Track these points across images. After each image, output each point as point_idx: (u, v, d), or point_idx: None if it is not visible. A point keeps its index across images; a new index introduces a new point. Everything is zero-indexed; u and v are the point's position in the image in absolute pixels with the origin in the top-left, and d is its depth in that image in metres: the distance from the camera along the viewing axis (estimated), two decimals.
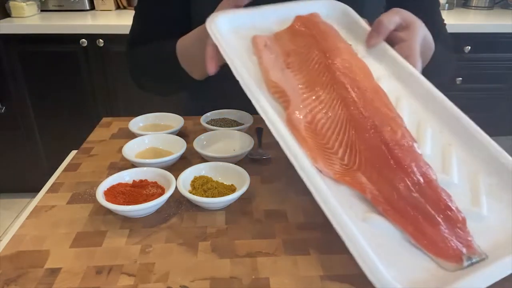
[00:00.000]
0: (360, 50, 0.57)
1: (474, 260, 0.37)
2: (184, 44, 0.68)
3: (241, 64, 0.49)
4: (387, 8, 0.77)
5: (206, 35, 0.56)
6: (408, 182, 0.41)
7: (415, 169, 0.42)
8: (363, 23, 0.59)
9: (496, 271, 0.36)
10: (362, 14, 0.74)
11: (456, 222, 0.40)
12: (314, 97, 0.49)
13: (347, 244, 0.37)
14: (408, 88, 0.52)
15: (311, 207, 0.49)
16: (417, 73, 0.53)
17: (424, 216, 0.40)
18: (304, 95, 0.49)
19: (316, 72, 0.51)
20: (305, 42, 0.55)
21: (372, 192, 0.42)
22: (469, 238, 0.39)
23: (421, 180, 0.41)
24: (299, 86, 0.50)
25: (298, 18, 0.58)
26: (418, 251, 0.39)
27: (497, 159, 0.44)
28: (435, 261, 0.38)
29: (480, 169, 0.45)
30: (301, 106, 0.48)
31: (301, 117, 0.47)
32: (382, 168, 0.43)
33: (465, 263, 0.37)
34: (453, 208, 0.40)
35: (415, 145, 0.44)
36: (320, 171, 0.43)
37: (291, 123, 0.46)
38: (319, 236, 0.45)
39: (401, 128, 0.45)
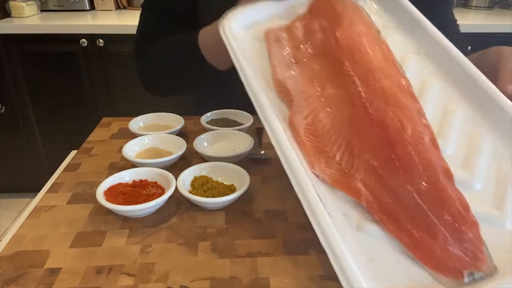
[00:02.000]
0: (390, 25, 0.51)
1: (476, 276, 0.33)
2: (208, 36, 0.65)
3: (248, 65, 0.46)
4: None
5: None
6: (411, 187, 0.37)
7: (422, 169, 0.38)
8: None
9: None
10: None
11: (464, 229, 0.35)
12: (318, 94, 0.46)
13: (330, 259, 0.35)
14: (439, 66, 0.47)
15: None
16: (451, 48, 0.47)
17: (424, 223, 0.36)
18: (308, 93, 0.46)
19: (325, 65, 0.47)
20: (318, 30, 0.50)
21: (367, 199, 0.39)
22: (479, 247, 0.34)
23: (428, 181, 0.37)
24: (305, 83, 0.47)
25: (315, 1, 0.53)
26: (413, 263, 0.35)
27: None
28: (431, 275, 0.34)
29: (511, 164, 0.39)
30: (303, 106, 0.45)
31: (302, 118, 0.44)
32: (383, 171, 0.39)
33: (466, 279, 0.33)
34: (463, 211, 0.35)
35: (429, 141, 0.40)
36: (317, 176, 0.41)
37: (292, 126, 0.44)
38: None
39: (414, 124, 0.41)
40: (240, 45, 0.49)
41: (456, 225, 0.35)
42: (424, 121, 0.42)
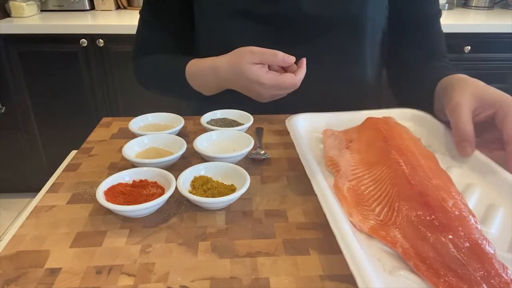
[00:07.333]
0: (433, 144, 0.61)
1: None
2: (196, 73, 0.73)
3: (308, 150, 0.57)
4: (390, 5, 0.77)
5: (223, 86, 0.70)
6: (450, 243, 0.38)
7: (461, 230, 0.39)
8: (440, 125, 0.64)
9: None
10: (365, 13, 0.74)
11: (503, 285, 0.35)
12: (363, 168, 0.53)
13: None
14: (482, 177, 0.53)
15: (311, 207, 0.49)
16: (486, 160, 0.54)
17: (461, 274, 0.36)
18: (355, 166, 0.53)
19: (373, 153, 0.55)
20: (370, 133, 0.60)
21: (403, 246, 0.40)
22: None
23: (468, 241, 0.38)
24: (353, 161, 0.55)
25: (369, 119, 0.64)
26: None
27: None
28: None
29: None
30: (349, 173, 0.52)
31: (346, 181, 0.50)
32: (421, 226, 0.41)
33: None
34: (502, 270, 0.36)
35: (471, 218, 0.42)
36: (354, 226, 0.43)
37: (336, 187, 0.49)
38: (319, 236, 0.44)
39: (455, 201, 0.43)
40: (302, 137, 0.61)
41: (493, 281, 0.35)
42: (461, 201, 0.45)
